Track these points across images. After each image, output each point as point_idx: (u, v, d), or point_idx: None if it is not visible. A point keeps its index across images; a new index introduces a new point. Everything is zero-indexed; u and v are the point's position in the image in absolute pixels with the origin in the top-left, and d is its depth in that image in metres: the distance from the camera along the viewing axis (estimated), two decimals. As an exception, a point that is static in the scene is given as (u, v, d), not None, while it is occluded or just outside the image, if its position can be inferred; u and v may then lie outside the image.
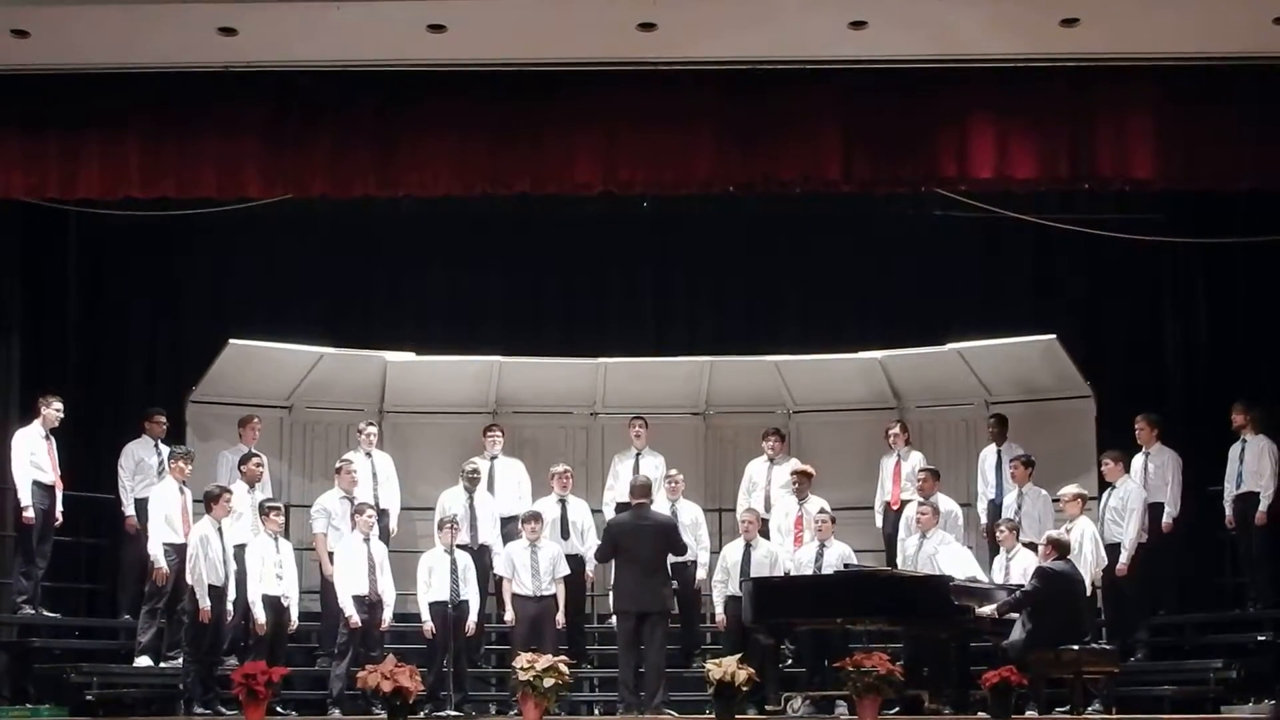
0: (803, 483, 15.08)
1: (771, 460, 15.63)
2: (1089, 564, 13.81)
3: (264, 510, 14.08)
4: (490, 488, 15.39)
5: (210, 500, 13.69)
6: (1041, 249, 16.37)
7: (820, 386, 16.94)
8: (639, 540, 13.33)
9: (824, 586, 13.78)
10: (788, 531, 14.99)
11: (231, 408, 15.77)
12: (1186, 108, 13.08)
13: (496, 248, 17.08)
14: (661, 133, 13.19)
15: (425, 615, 14.11)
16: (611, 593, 13.92)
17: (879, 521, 15.59)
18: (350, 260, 16.88)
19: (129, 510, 14.62)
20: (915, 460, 15.48)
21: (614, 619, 14.52)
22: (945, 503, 14.91)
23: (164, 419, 14.94)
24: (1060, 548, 13.20)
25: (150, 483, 14.49)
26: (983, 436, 15.96)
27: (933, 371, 16.69)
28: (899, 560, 14.81)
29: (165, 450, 14.63)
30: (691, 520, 14.78)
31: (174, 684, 13.73)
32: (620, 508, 15.30)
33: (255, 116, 13.26)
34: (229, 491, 13.90)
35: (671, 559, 13.79)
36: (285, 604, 13.91)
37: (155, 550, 13.89)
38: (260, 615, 13.68)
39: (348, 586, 14.00)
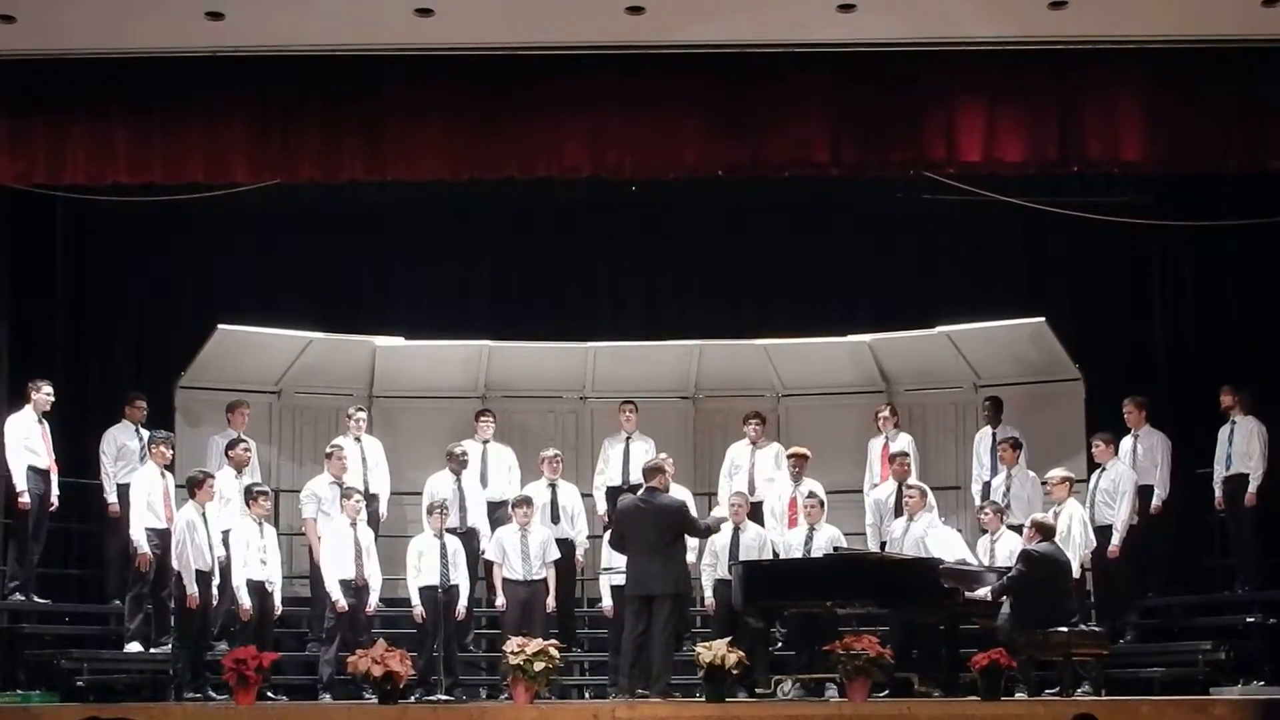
0: (799, 465, 15.07)
1: (754, 443, 15.62)
2: (1078, 546, 13.84)
3: (251, 495, 14.07)
4: (483, 472, 15.40)
5: (194, 485, 13.68)
6: (1030, 232, 16.34)
7: (809, 370, 16.95)
8: (643, 523, 13.24)
9: (813, 570, 13.81)
10: (781, 515, 15.00)
11: (221, 393, 15.75)
12: (1175, 90, 13.11)
13: (485, 232, 17.04)
14: (650, 116, 13.20)
15: (415, 600, 14.13)
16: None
17: (868, 504, 15.57)
18: (339, 245, 16.84)
19: (111, 496, 14.59)
20: (903, 443, 15.49)
21: (604, 603, 14.61)
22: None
23: (144, 403, 14.89)
24: (1044, 530, 13.24)
25: (133, 467, 14.46)
26: (972, 419, 15.98)
27: (922, 355, 16.70)
28: (873, 542, 14.87)
29: (146, 435, 14.60)
30: (681, 504, 14.78)
31: (164, 669, 13.72)
32: (611, 492, 15.34)
33: (242, 101, 13.26)
34: (211, 476, 13.90)
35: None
36: (270, 589, 13.93)
37: (137, 536, 13.86)
38: (246, 600, 13.71)
39: (334, 571, 14.02)
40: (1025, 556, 13.12)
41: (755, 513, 14.93)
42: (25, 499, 13.93)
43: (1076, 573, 13.79)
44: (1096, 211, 15.19)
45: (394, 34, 12.86)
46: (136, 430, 14.76)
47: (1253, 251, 15.12)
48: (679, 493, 14.31)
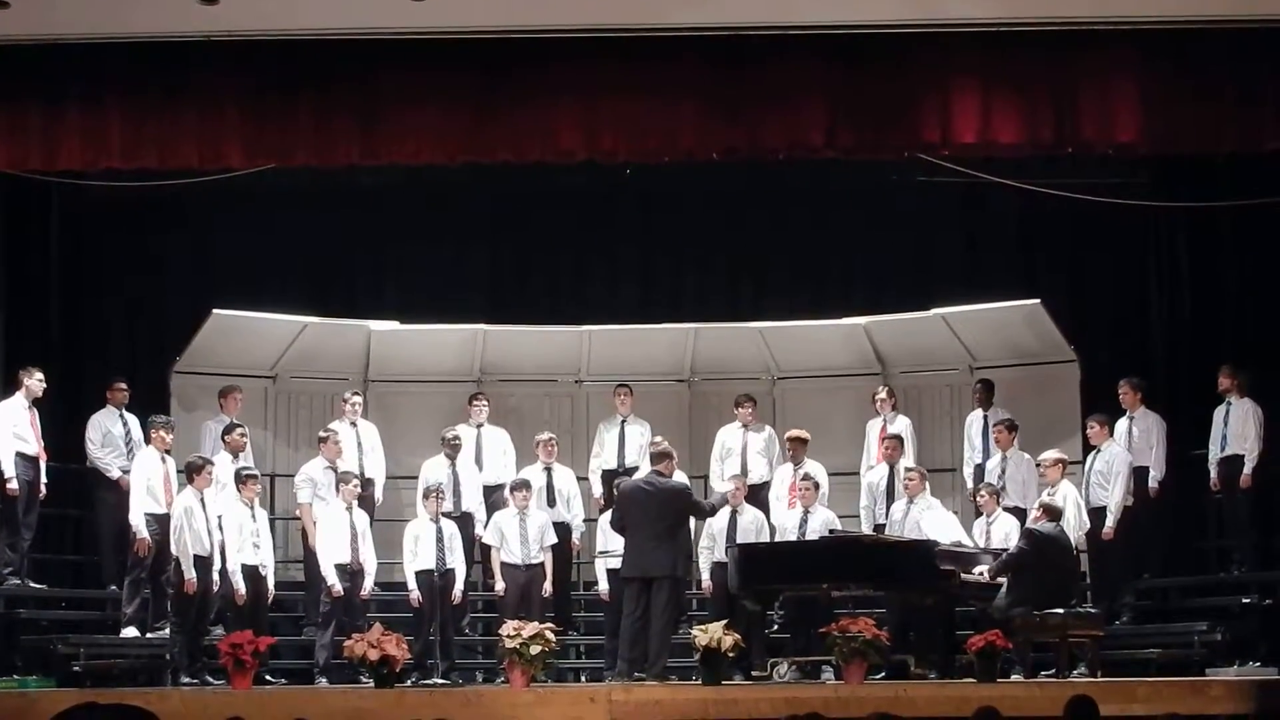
0: (798, 448, 15.06)
1: (745, 426, 15.61)
2: (1072, 528, 13.83)
3: (241, 479, 14.06)
4: (477, 456, 15.40)
5: (192, 471, 13.70)
6: (1025, 214, 16.28)
7: (805, 353, 16.93)
8: (646, 506, 13.28)
9: (809, 552, 13.84)
10: (783, 497, 15.01)
11: (216, 378, 15.71)
12: (1170, 71, 13.07)
13: (480, 216, 17.00)
14: (645, 100, 13.16)
15: (412, 584, 14.14)
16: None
17: (862, 486, 15.55)
18: (333, 229, 16.77)
19: (114, 473, 14.48)
20: (900, 425, 15.50)
21: (600, 586, 14.63)
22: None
23: (125, 386, 14.79)
24: (1051, 512, 13.28)
25: (119, 452, 14.49)
26: (967, 402, 15.97)
27: (917, 337, 16.68)
28: (866, 524, 14.89)
29: (131, 419, 14.61)
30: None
31: (161, 654, 13.75)
32: (607, 476, 15.34)
33: (236, 86, 13.22)
34: (211, 463, 13.91)
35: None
36: (263, 573, 13.94)
37: (136, 520, 13.88)
38: (240, 585, 13.72)
39: (330, 555, 14.02)
40: (1029, 534, 13.16)
41: (753, 496, 14.94)
42: (13, 485, 13.91)
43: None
44: (1091, 193, 15.17)
45: (388, 18, 12.81)
46: (121, 415, 14.73)
47: (1249, 233, 15.12)
48: (678, 477, 14.32)
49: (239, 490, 14.03)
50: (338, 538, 14.09)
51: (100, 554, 14.86)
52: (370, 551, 14.26)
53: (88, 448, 14.61)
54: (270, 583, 14.10)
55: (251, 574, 13.83)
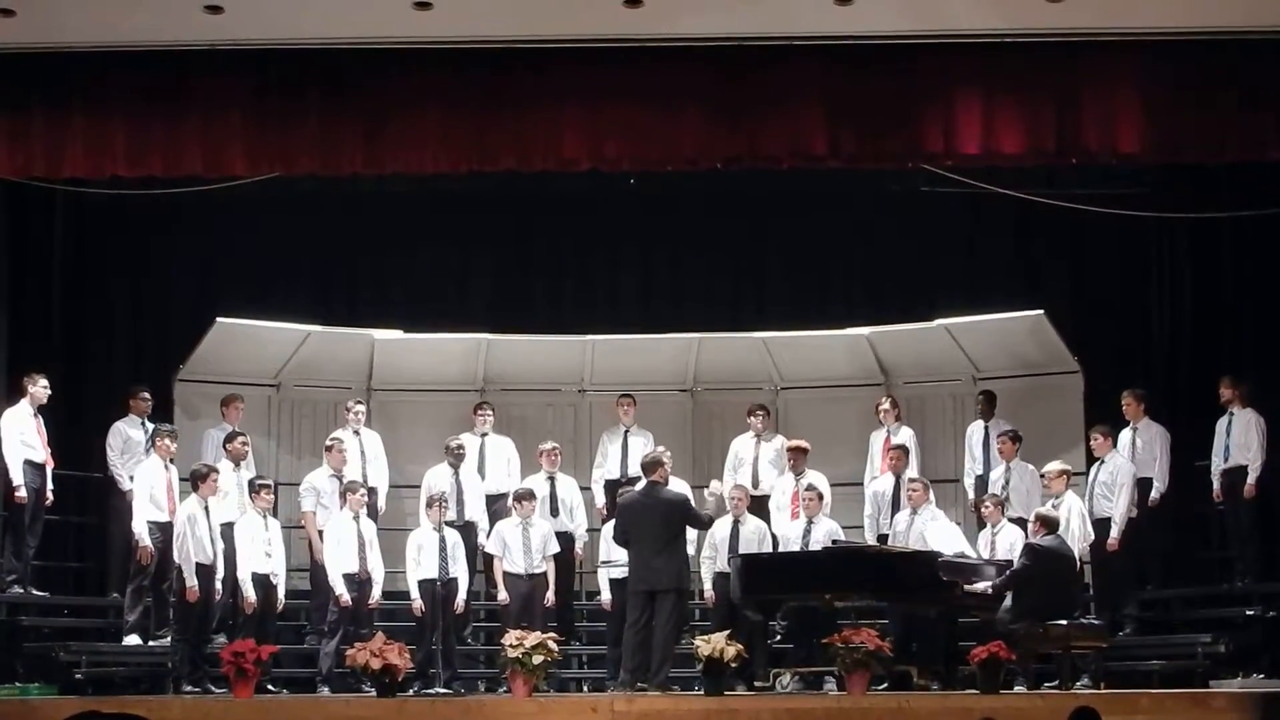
0: (798, 458, 15.07)
1: (758, 436, 15.61)
2: (1076, 539, 13.79)
3: (254, 488, 14.13)
4: (481, 466, 15.40)
5: (197, 479, 13.71)
6: (1028, 224, 16.26)
7: (808, 363, 16.95)
8: (647, 518, 13.27)
9: (812, 562, 13.81)
10: (784, 508, 15.00)
11: (219, 386, 15.75)
12: (1173, 81, 13.05)
13: (484, 225, 16.98)
14: (647, 109, 13.16)
15: (414, 593, 14.13)
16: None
17: (866, 496, 15.54)
18: (337, 238, 16.79)
19: (126, 485, 14.51)
20: (905, 436, 15.49)
21: (602, 596, 14.61)
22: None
23: (148, 395, 14.88)
24: (1049, 524, 13.25)
25: (139, 460, 14.47)
26: (970, 412, 15.96)
27: (920, 347, 16.70)
28: (869, 534, 14.88)
29: (151, 427, 14.61)
30: (680, 498, 14.75)
31: (163, 662, 13.76)
32: (610, 485, 15.34)
33: (241, 94, 13.22)
34: (216, 471, 13.92)
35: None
36: (274, 582, 13.95)
37: (139, 528, 13.89)
38: (250, 593, 13.72)
39: (338, 565, 14.02)
40: (1029, 550, 13.12)
41: (757, 506, 14.93)
42: (22, 493, 13.93)
43: (1077, 565, 13.78)
44: (1094, 203, 15.17)
45: (393, 27, 12.83)
46: (142, 423, 14.76)
47: (1251, 242, 15.10)
48: (677, 485, 14.30)
49: (251, 499, 14.05)
50: (345, 547, 14.10)
51: (109, 561, 14.88)
52: (377, 560, 14.27)
53: (108, 455, 14.65)
54: (281, 591, 14.11)
55: (262, 582, 13.84)
